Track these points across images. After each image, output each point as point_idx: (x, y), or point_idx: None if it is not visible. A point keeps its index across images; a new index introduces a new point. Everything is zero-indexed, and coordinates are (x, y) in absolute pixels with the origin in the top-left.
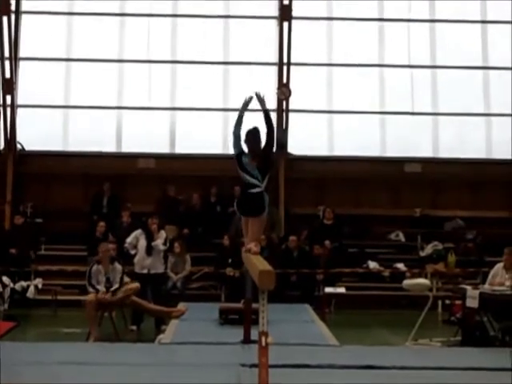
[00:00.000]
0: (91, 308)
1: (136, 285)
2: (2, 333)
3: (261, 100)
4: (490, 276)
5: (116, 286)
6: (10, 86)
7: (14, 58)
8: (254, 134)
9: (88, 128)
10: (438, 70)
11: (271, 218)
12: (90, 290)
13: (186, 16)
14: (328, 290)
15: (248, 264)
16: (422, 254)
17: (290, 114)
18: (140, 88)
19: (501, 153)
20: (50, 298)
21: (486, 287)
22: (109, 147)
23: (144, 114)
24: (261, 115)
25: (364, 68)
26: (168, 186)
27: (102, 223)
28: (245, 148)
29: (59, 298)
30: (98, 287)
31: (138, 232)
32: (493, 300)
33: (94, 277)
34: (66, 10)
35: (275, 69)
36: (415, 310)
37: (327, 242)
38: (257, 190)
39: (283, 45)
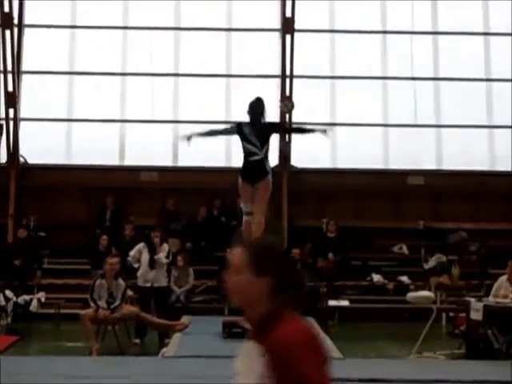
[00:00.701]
0: (87, 322)
1: (135, 310)
2: (5, 347)
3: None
4: (493, 288)
5: (117, 302)
6: (12, 100)
7: (17, 72)
8: (256, 104)
9: (91, 141)
10: (441, 82)
11: (274, 230)
12: (92, 304)
13: (188, 29)
14: (331, 302)
15: None
16: (426, 266)
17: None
18: (143, 101)
19: (504, 165)
20: (53, 311)
21: (490, 300)
22: (112, 160)
23: (147, 126)
24: None
25: (367, 80)
26: (167, 199)
27: (104, 236)
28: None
29: (62, 311)
30: (99, 303)
31: (141, 245)
32: (497, 312)
33: (97, 291)
34: (68, 24)
35: (278, 81)
36: (419, 323)
37: (330, 255)
38: (257, 157)
39: (286, 57)
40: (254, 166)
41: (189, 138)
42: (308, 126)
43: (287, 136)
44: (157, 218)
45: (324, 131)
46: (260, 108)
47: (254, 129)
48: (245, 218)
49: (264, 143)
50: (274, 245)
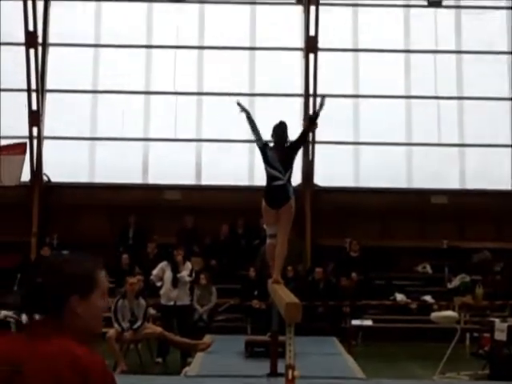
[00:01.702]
0: (113, 343)
1: (158, 329)
2: None
3: (321, 104)
4: None
5: (139, 322)
6: (36, 118)
7: (41, 90)
8: (280, 128)
9: (114, 159)
10: (465, 101)
11: (297, 249)
12: (116, 326)
13: (212, 48)
14: (355, 322)
15: (274, 296)
16: (450, 286)
17: (317, 146)
18: (166, 120)
19: None
20: None
21: None
22: (135, 179)
23: (170, 145)
24: None
25: (390, 99)
26: (186, 217)
27: (125, 255)
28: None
29: None
30: (123, 324)
31: (164, 264)
32: None
33: (120, 312)
34: (92, 42)
35: (301, 100)
36: (443, 343)
37: (354, 274)
38: (280, 182)
39: (309, 76)
40: (277, 191)
41: (243, 109)
42: (316, 112)
43: (310, 155)
44: (176, 236)
45: (321, 103)
46: (283, 132)
47: (278, 153)
48: (268, 240)
49: (287, 168)
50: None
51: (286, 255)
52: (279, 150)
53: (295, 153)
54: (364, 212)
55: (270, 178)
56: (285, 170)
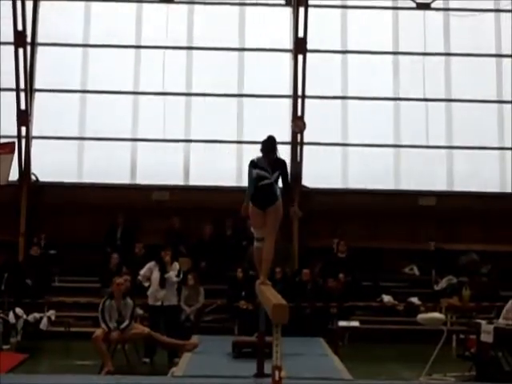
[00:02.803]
0: (99, 343)
1: (146, 330)
2: (15, 365)
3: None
4: (504, 310)
5: (127, 322)
6: (24, 118)
7: (30, 90)
8: (269, 143)
9: (102, 160)
10: (453, 103)
11: (285, 251)
12: (103, 325)
13: (201, 49)
14: (342, 323)
15: (262, 297)
16: (437, 287)
17: (305, 147)
18: (154, 120)
19: None
20: (63, 329)
21: (501, 322)
22: (123, 179)
23: (158, 145)
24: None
25: (379, 101)
26: (174, 217)
27: (115, 255)
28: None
29: (72, 329)
30: (110, 324)
31: (152, 264)
32: (508, 335)
33: (107, 312)
34: (81, 42)
35: (290, 101)
36: (429, 344)
37: (341, 276)
38: (266, 181)
39: (298, 77)
40: (263, 190)
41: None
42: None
43: (298, 156)
44: (163, 236)
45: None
46: (272, 147)
47: (266, 160)
48: (256, 244)
49: (275, 170)
50: None
51: (274, 256)
52: (268, 158)
53: (279, 168)
54: (352, 213)
55: (257, 179)
56: (272, 171)
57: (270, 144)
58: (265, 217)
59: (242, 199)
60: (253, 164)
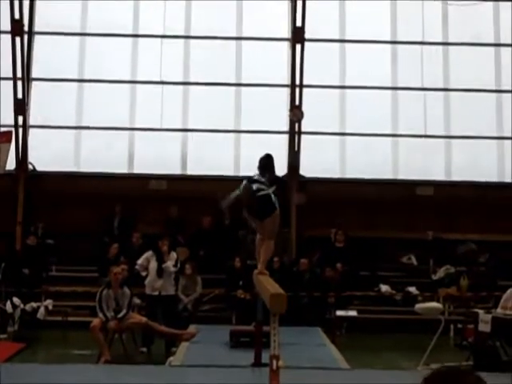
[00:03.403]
0: (96, 332)
1: (143, 319)
2: (12, 354)
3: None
4: (502, 300)
5: (124, 311)
6: (21, 107)
7: (27, 79)
8: (266, 161)
9: (100, 149)
10: (451, 93)
11: (283, 240)
12: (100, 315)
13: (198, 38)
14: (339, 313)
15: (259, 287)
16: (435, 277)
17: (303, 136)
18: (152, 109)
19: None
20: (60, 319)
21: (499, 311)
22: (120, 168)
23: (156, 135)
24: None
25: (377, 90)
26: (171, 207)
27: (115, 245)
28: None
29: (69, 319)
30: (107, 314)
31: (149, 253)
32: (505, 324)
33: (104, 301)
34: (78, 31)
35: (288, 91)
36: (427, 334)
37: (339, 265)
38: (264, 192)
39: (296, 67)
40: (260, 200)
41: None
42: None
43: (296, 146)
44: (161, 226)
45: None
46: (269, 165)
47: (264, 175)
48: (258, 236)
49: (272, 184)
50: None
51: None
52: (265, 175)
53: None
54: (349, 203)
55: (254, 191)
56: (270, 184)
57: (267, 162)
58: (262, 224)
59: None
60: (251, 180)
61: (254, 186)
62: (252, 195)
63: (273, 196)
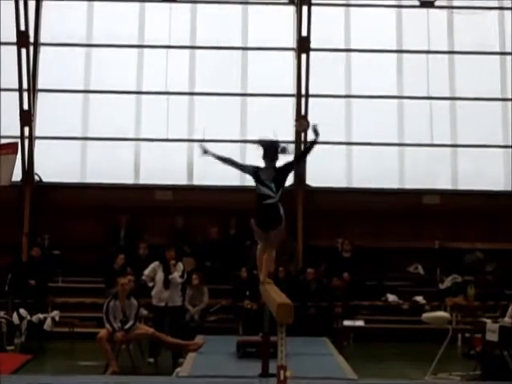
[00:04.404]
0: (103, 343)
1: (150, 330)
2: (19, 365)
3: (316, 133)
4: (509, 309)
5: (131, 322)
6: (27, 118)
7: (32, 90)
8: (272, 148)
9: (106, 160)
10: (457, 102)
11: (289, 250)
12: (107, 326)
13: (203, 48)
14: (347, 322)
15: (266, 297)
16: (442, 286)
17: None
18: (158, 119)
19: None
20: (67, 330)
21: (506, 321)
22: (126, 179)
23: (162, 145)
24: None
25: (383, 99)
26: (177, 217)
27: (121, 256)
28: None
29: (76, 330)
30: (114, 325)
31: (156, 264)
32: None
33: (111, 312)
34: (84, 42)
35: (293, 100)
36: (434, 344)
37: (345, 275)
38: (271, 200)
39: (301, 76)
40: (267, 210)
41: (205, 151)
42: (308, 144)
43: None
44: (168, 236)
45: (316, 132)
46: (275, 152)
47: (270, 172)
48: (259, 245)
49: (279, 186)
50: None
51: (279, 255)
52: (271, 168)
53: (287, 174)
54: (356, 212)
55: (260, 196)
56: (277, 188)
57: (272, 149)
58: (267, 235)
59: (246, 199)
60: (256, 174)
61: (262, 189)
62: (259, 201)
63: (281, 207)
